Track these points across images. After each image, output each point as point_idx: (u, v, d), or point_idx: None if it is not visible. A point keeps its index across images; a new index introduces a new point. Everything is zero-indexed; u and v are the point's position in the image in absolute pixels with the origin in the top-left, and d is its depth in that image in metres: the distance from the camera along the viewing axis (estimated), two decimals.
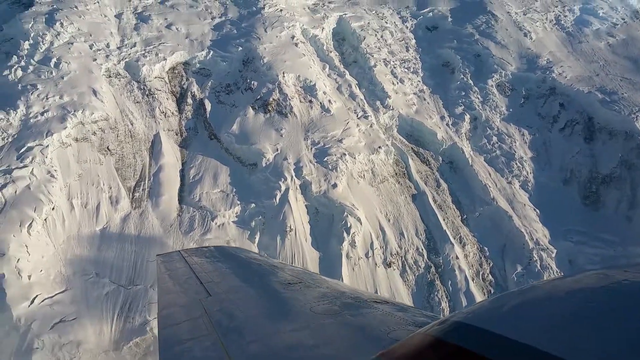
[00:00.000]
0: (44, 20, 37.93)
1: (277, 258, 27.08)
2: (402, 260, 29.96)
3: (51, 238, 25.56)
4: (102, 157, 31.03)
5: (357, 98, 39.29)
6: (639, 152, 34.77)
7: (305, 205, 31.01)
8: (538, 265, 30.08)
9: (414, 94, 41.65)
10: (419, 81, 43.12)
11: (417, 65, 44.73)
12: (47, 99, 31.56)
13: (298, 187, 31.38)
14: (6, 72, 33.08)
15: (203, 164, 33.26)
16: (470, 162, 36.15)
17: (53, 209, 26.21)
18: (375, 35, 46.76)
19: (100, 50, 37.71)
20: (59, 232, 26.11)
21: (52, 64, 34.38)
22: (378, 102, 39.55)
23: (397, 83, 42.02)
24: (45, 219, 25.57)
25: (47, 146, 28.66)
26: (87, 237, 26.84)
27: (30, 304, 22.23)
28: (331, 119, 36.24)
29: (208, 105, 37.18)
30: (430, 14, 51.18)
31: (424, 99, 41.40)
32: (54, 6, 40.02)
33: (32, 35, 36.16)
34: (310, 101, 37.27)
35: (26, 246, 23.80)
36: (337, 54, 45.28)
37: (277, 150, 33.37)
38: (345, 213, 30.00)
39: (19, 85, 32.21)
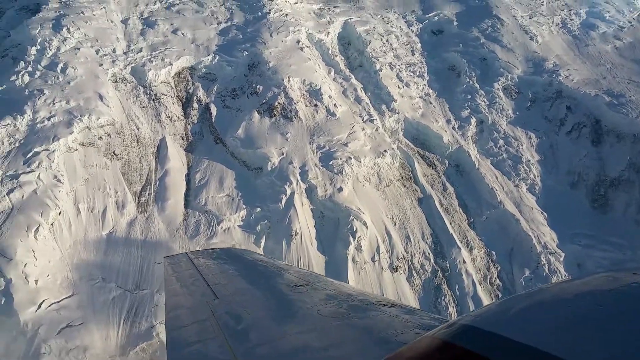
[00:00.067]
0: (50, 25, 38.22)
1: (282, 262, 26.98)
2: (409, 265, 29.79)
3: (58, 243, 25.61)
4: (109, 162, 31.12)
5: (362, 102, 39.27)
6: None
7: (311, 209, 30.95)
8: (546, 269, 29.82)
9: (420, 97, 41.57)
10: (424, 85, 43.06)
11: (423, 69, 44.68)
12: (54, 104, 31.72)
13: (303, 191, 31.32)
14: (13, 77, 33.30)
15: (209, 168, 33.29)
16: (476, 165, 35.98)
17: (60, 213, 26.28)
18: (381, 39, 46.77)
19: (106, 55, 37.92)
20: (66, 237, 26.16)
21: (58, 69, 34.59)
22: (384, 106, 39.49)
23: (403, 87, 41.96)
24: (52, 224, 25.64)
25: (54, 151, 28.77)
26: (94, 242, 26.88)
27: (37, 309, 22.25)
28: (337, 123, 36.21)
29: (214, 110, 37.26)
30: (436, 18, 51.16)
31: (430, 103, 41.32)
32: (61, 12, 40.34)
33: (39, 40, 36.42)
34: (316, 105, 37.28)
35: (33, 251, 23.85)
36: (343, 58, 45.30)
37: (283, 154, 33.36)
38: (351, 217, 29.90)
39: (26, 90, 32.40)
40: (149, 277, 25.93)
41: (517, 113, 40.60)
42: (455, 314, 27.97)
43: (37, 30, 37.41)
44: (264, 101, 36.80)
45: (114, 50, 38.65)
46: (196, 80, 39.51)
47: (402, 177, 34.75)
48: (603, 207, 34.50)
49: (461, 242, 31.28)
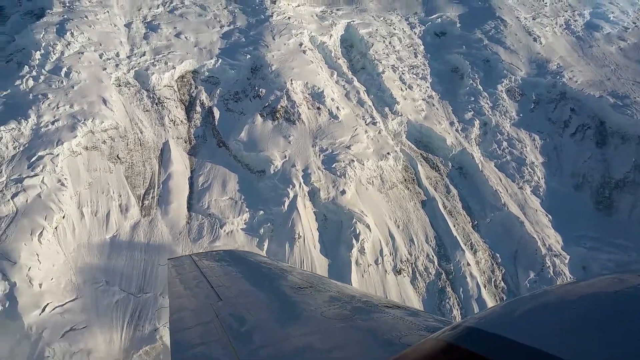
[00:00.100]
0: (55, 30, 38.44)
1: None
2: (413, 267, 29.69)
3: (62, 246, 25.68)
4: (112, 166, 31.22)
5: (365, 104, 39.24)
6: None
7: (314, 212, 30.91)
8: (551, 272, 29.66)
9: (423, 99, 41.51)
10: (427, 87, 42.99)
11: (426, 71, 44.62)
12: (58, 108, 31.87)
13: (306, 194, 31.30)
14: (18, 82, 33.49)
15: (212, 171, 33.34)
16: (480, 167, 35.86)
17: (63, 217, 26.37)
18: (384, 41, 46.76)
19: (110, 59, 38.08)
20: (70, 241, 26.24)
21: (62, 73, 34.77)
22: (386, 109, 39.46)
23: (406, 89, 41.91)
24: (55, 228, 25.71)
25: (58, 155, 28.89)
26: (97, 245, 26.94)
27: (41, 313, 22.31)
28: (339, 126, 36.19)
29: (217, 113, 37.33)
30: (439, 20, 51.12)
31: (433, 105, 41.25)
32: (65, 16, 40.57)
33: (43, 45, 36.63)
34: (319, 108, 37.28)
35: (37, 254, 23.93)
36: (345, 60, 45.32)
37: (286, 157, 33.36)
38: (354, 220, 29.84)
39: (30, 95, 32.57)
40: (153, 280, 25.95)
41: (521, 115, 40.47)
42: (460, 317, 27.83)
43: (42, 35, 37.63)
44: (267, 104, 36.84)
45: (117, 54, 38.82)
46: (199, 84, 39.62)
47: (405, 180, 34.68)
48: (608, 209, 34.31)
49: (465, 245, 31.16)
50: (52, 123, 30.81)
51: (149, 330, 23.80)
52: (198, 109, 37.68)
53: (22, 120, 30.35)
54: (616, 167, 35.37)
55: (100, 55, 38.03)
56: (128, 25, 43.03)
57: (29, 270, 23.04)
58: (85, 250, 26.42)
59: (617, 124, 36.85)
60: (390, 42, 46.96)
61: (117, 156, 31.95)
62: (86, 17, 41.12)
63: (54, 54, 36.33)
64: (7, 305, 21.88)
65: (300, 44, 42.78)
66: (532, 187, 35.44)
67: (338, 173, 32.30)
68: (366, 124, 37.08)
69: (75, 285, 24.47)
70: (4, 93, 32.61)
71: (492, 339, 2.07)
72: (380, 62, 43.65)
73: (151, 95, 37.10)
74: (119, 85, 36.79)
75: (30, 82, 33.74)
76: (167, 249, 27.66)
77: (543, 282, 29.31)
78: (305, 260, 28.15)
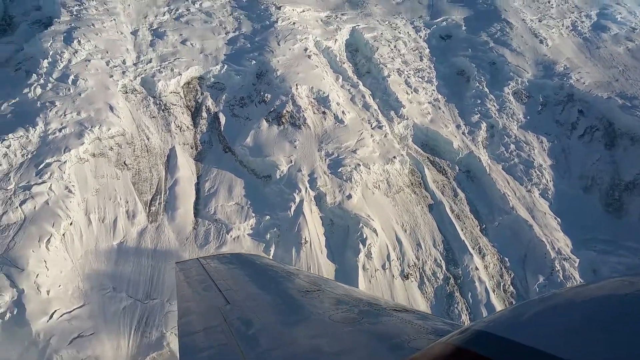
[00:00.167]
0: (62, 38, 38.79)
1: None
2: (420, 272, 29.49)
3: (69, 253, 25.80)
4: (119, 172, 31.37)
5: (371, 108, 39.20)
6: None
7: (320, 216, 30.85)
8: (561, 276, 29.34)
9: (429, 103, 41.39)
10: (433, 90, 42.88)
11: (432, 74, 44.53)
12: (65, 115, 32.11)
13: (312, 199, 31.25)
14: (26, 90, 33.79)
15: (218, 177, 33.40)
16: (487, 170, 35.64)
17: (71, 224, 26.51)
18: (389, 45, 46.74)
19: (116, 66, 38.36)
20: (77, 247, 26.36)
21: (69, 81, 35.06)
22: (392, 112, 39.38)
23: (412, 92, 41.83)
24: (63, 234, 25.85)
25: (65, 162, 29.08)
26: (105, 252, 27.04)
27: (49, 319, 22.39)
28: (345, 130, 36.15)
29: (222, 119, 37.45)
30: (444, 23, 51.05)
31: (439, 108, 41.11)
32: (72, 25, 40.94)
33: (50, 53, 36.98)
34: (324, 112, 37.28)
35: (45, 261, 24.05)
36: (351, 64, 45.33)
37: (291, 162, 33.36)
38: (361, 224, 29.73)
39: (38, 102, 32.86)
40: (160, 287, 25.99)
41: (528, 117, 40.23)
42: (469, 321, 27.56)
43: (49, 43, 37.99)
44: (272, 109, 36.91)
45: (124, 62, 39.09)
46: (205, 90, 39.79)
47: (412, 184, 34.52)
48: (618, 212, 33.92)
49: (473, 249, 30.91)
50: (60, 130, 31.05)
51: (156, 337, 23.81)
52: (204, 114, 37.83)
53: (30, 128, 30.61)
54: (625, 169, 34.99)
55: (107, 63, 38.31)
56: (134, 33, 43.35)
57: (36, 277, 23.16)
58: (92, 256, 26.53)
59: (626, 125, 36.49)
60: (395, 46, 46.93)
61: (124, 163, 32.10)
62: (93, 25, 41.47)
63: (62, 62, 36.65)
64: (15, 312, 21.99)
65: (305, 49, 42.86)
66: (541, 190, 35.14)
67: (344, 177, 32.23)
68: (372, 128, 37.01)
69: (83, 292, 24.55)
70: (13, 101, 32.91)
71: (501, 342, 2.06)
72: (386, 66, 43.62)
73: (157, 102, 37.30)
74: (126, 92, 37.03)
75: (38, 90, 34.05)
76: (174, 255, 27.69)
77: (552, 286, 28.99)
78: (312, 265, 28.07)
